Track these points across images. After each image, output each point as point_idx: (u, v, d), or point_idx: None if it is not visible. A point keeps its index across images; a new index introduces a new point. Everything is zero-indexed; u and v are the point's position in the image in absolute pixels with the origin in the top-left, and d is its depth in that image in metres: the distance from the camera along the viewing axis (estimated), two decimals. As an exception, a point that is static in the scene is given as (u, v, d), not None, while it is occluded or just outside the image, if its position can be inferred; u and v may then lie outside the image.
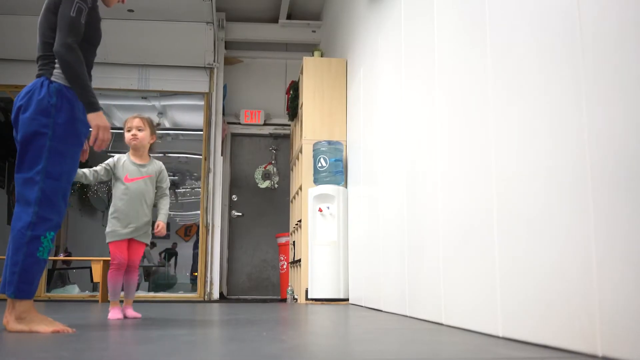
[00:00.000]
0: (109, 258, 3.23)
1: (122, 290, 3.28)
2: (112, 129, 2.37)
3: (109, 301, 3.24)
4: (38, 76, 2.30)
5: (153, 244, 8.52)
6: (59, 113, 2.21)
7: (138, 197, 3.25)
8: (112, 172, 3.28)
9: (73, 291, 6.78)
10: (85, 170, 3.22)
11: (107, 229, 3.22)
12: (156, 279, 8.47)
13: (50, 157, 2.19)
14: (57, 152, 2.21)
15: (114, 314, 3.12)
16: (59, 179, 2.22)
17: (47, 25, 2.31)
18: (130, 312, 3.24)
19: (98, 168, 3.27)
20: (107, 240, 3.21)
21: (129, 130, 3.30)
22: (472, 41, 2.27)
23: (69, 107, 2.25)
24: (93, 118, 2.26)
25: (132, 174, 3.27)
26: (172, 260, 8.73)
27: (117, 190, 3.25)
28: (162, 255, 8.62)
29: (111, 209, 3.24)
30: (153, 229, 3.34)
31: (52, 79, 2.26)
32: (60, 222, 2.25)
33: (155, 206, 3.40)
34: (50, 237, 2.18)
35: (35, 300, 2.23)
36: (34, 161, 2.19)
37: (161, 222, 3.34)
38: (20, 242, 2.14)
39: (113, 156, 3.34)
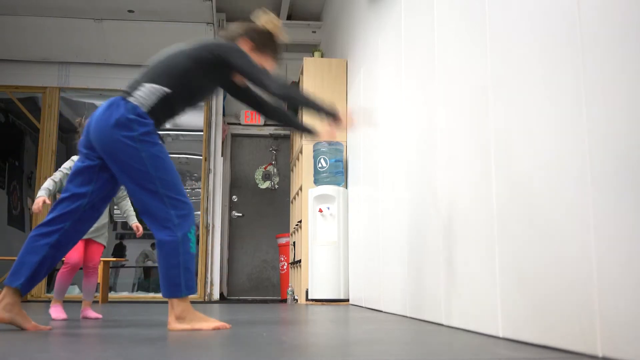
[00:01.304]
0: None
1: (81, 290, 3.29)
2: None
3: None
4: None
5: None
6: (139, 126, 2.23)
7: None
8: None
9: (73, 292, 6.77)
10: (48, 184, 3.14)
11: None
12: (157, 280, 8.47)
13: (152, 163, 2.23)
14: (153, 156, 2.24)
15: (56, 312, 3.11)
16: (172, 179, 2.27)
17: (181, 67, 2.34)
18: (91, 313, 3.23)
19: (58, 177, 3.18)
20: None
21: None
22: (473, 41, 2.27)
23: (145, 123, 2.26)
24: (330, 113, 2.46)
25: None
26: None
27: None
28: None
29: None
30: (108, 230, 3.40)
31: (130, 99, 2.27)
32: (193, 216, 2.31)
33: (118, 209, 3.45)
34: (193, 231, 2.27)
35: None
36: (144, 175, 2.23)
37: (136, 224, 3.45)
38: (174, 244, 2.20)
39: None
